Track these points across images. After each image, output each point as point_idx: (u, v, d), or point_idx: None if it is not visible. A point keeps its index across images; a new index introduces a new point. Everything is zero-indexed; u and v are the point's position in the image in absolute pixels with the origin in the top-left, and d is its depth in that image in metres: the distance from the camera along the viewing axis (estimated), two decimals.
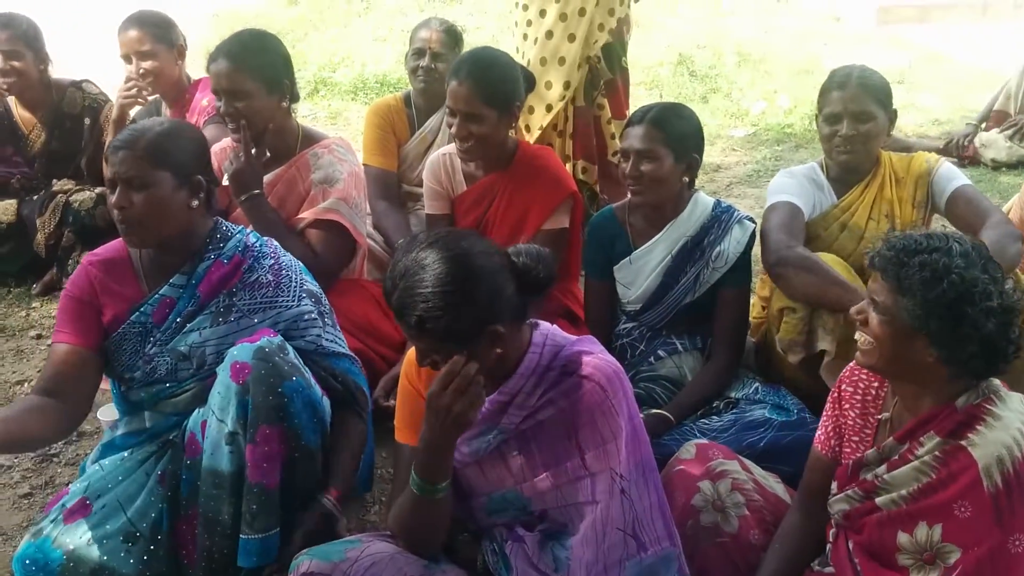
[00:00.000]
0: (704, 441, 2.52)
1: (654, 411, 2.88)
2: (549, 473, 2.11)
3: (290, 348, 2.44)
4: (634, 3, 4.36)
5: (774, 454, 2.63)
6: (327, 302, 2.68)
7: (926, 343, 1.93)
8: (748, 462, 2.47)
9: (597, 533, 2.07)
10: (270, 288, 2.53)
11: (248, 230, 2.65)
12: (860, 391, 2.19)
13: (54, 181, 4.29)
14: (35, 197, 4.27)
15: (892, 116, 3.11)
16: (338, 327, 2.72)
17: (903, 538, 2.00)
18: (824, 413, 2.27)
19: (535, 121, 4.09)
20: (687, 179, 3.02)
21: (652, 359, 3.11)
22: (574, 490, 2.10)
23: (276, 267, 2.57)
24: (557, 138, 4.19)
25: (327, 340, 2.61)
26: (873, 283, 2.02)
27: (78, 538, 2.35)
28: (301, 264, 2.67)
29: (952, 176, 3.10)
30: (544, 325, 2.20)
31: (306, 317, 2.56)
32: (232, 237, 2.58)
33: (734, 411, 2.87)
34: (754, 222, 3.09)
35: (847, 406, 2.20)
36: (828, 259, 2.90)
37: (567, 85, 4.08)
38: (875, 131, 3.05)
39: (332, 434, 2.53)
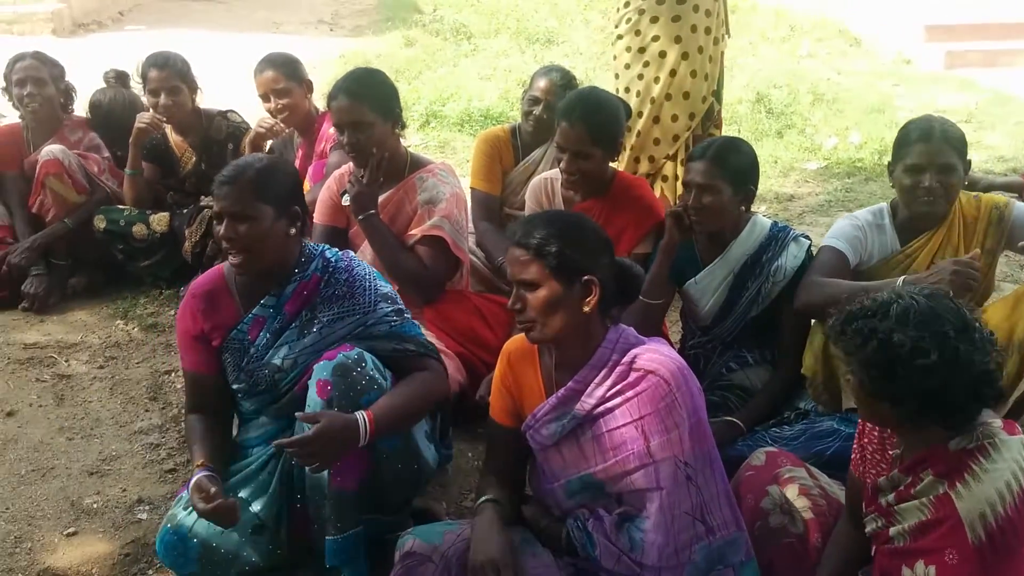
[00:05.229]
0: (773, 449, 2.50)
1: (725, 418, 2.85)
2: (618, 458, 2.13)
3: (368, 358, 2.44)
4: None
5: (841, 463, 2.55)
6: (400, 300, 2.67)
7: (884, 402, 1.87)
8: (815, 470, 2.43)
9: (666, 518, 2.08)
10: (346, 299, 2.54)
11: (326, 247, 2.66)
12: (878, 428, 2.11)
13: (201, 197, 4.42)
14: (184, 211, 4.42)
15: (967, 166, 2.92)
16: (415, 323, 2.68)
17: (907, 572, 1.91)
18: (855, 440, 2.20)
19: (660, 152, 4.08)
20: (744, 208, 2.99)
21: (724, 370, 3.07)
22: (640, 476, 2.11)
23: (350, 279, 2.56)
24: (669, 163, 4.16)
25: (403, 328, 2.59)
26: None
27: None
28: (374, 270, 2.67)
29: None
30: (620, 326, 2.23)
31: (384, 317, 2.56)
32: (314, 259, 2.58)
33: (804, 421, 2.82)
34: (810, 240, 3.04)
35: (866, 440, 2.14)
36: None
37: (692, 116, 4.07)
38: (956, 182, 2.87)
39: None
